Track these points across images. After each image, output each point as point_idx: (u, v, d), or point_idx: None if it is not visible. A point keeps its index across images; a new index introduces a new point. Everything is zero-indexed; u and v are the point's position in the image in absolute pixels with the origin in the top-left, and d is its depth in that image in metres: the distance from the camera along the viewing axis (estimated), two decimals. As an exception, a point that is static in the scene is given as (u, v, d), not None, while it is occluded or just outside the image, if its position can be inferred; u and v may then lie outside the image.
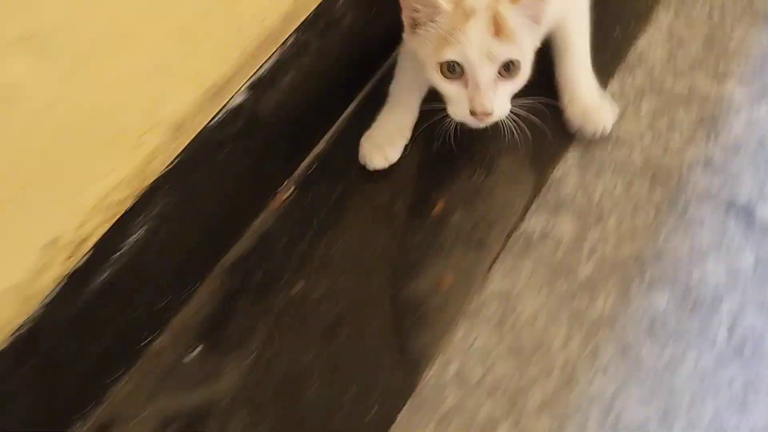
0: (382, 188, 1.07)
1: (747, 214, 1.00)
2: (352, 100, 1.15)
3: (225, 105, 0.93)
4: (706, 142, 1.06)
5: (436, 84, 0.97)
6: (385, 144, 1.09)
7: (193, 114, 0.89)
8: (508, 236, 1.01)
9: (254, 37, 0.93)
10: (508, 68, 0.93)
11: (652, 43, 1.18)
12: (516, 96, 0.97)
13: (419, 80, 1.07)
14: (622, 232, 1.00)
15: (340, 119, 1.14)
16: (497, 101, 0.94)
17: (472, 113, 0.94)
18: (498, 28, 0.91)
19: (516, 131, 0.99)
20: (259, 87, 0.96)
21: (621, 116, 1.09)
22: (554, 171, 1.06)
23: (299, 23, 0.99)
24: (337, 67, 1.08)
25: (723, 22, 1.19)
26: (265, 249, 1.02)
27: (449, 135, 1.02)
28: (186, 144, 0.89)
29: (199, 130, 0.90)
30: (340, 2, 1.03)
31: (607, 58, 1.15)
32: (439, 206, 1.04)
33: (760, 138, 1.06)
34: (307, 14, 1.00)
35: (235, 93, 0.93)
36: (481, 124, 0.96)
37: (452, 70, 0.94)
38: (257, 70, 0.95)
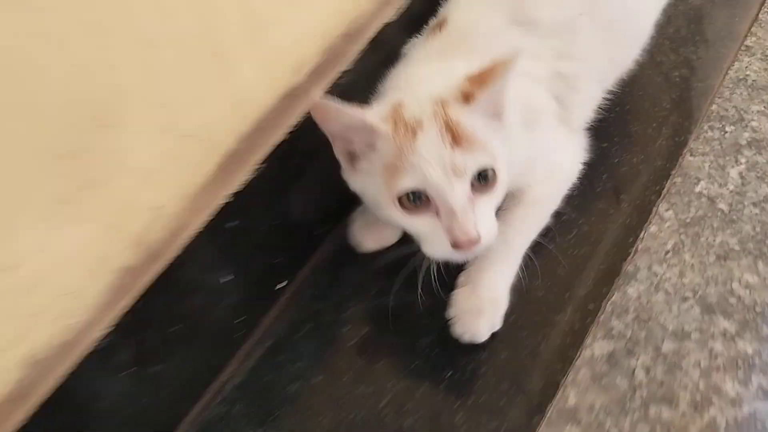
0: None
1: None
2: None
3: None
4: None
5: (398, 223, 0.79)
6: (376, 225, 0.93)
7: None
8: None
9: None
10: (482, 179, 0.76)
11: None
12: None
13: None
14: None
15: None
16: (482, 222, 0.75)
17: (455, 246, 0.75)
18: (455, 136, 0.74)
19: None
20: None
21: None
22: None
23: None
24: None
25: None
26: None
27: (433, 278, 0.83)
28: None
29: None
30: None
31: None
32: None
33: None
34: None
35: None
36: (470, 255, 0.78)
37: (415, 200, 0.76)
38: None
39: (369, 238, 0.95)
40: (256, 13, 0.75)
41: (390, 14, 0.93)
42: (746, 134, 1.07)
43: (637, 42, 1.03)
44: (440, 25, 0.91)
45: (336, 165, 0.82)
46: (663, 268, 0.95)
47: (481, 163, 0.75)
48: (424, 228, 0.77)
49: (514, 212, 0.90)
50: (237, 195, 0.80)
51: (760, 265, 0.94)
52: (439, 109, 0.76)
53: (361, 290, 0.95)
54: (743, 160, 1.04)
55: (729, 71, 1.14)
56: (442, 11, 0.95)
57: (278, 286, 0.93)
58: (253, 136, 0.80)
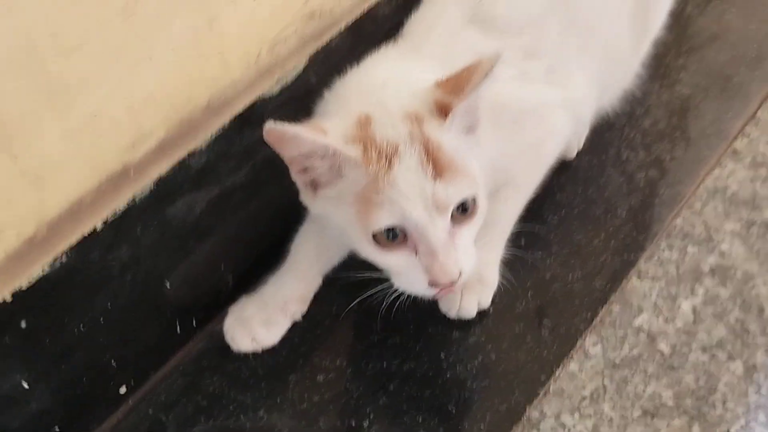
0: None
1: None
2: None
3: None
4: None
5: (370, 258, 0.70)
6: (256, 321, 0.82)
7: None
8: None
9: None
10: (462, 210, 0.68)
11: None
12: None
13: (326, 244, 0.84)
14: None
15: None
16: (463, 257, 0.68)
17: (434, 285, 0.67)
18: (437, 164, 0.65)
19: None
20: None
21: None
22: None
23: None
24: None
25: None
26: None
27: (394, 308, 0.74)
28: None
29: None
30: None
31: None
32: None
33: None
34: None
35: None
36: (449, 294, 0.72)
37: (391, 237, 0.67)
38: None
39: (242, 336, 0.83)
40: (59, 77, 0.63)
41: (270, 87, 0.80)
42: (711, 259, 0.88)
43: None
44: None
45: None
46: (574, 419, 0.78)
47: (465, 194, 0.67)
48: (399, 265, 0.69)
49: (497, 196, 0.81)
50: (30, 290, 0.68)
51: (696, 430, 0.75)
52: (416, 129, 0.66)
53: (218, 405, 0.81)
54: (701, 291, 0.86)
55: (706, 178, 0.96)
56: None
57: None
58: (60, 222, 0.68)
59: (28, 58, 0.59)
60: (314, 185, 0.70)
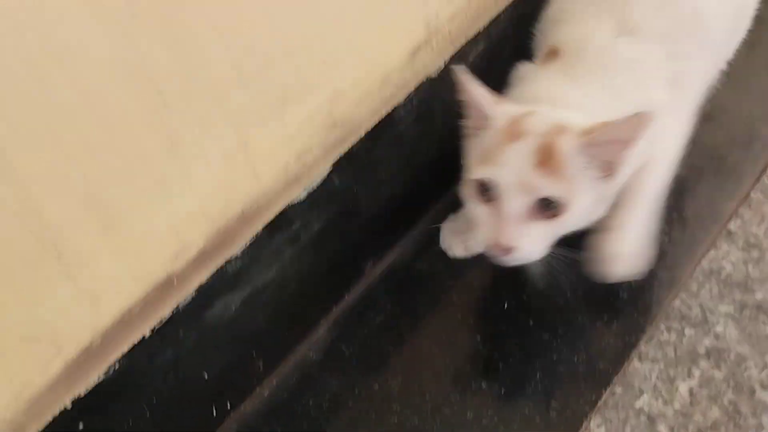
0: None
1: None
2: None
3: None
4: None
5: (465, 200, 0.85)
6: (466, 233, 1.02)
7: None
8: None
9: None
10: (547, 207, 0.78)
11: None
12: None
13: None
14: None
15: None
16: (525, 240, 0.79)
17: (491, 244, 0.80)
18: (545, 159, 0.77)
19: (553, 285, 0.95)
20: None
21: None
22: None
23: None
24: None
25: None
26: None
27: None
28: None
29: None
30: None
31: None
32: None
33: None
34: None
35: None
36: (504, 260, 0.81)
37: (484, 191, 0.81)
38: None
39: (459, 245, 1.04)
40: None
41: (297, 194, 0.87)
42: (707, 341, 0.95)
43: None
44: (553, 53, 0.93)
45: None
46: (581, 499, 0.84)
47: (553, 193, 0.78)
48: (480, 216, 0.83)
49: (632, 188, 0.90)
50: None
51: None
52: (552, 132, 0.79)
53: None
54: (697, 373, 0.92)
55: (702, 260, 1.02)
56: (546, 41, 0.97)
57: None
58: (113, 332, 0.75)
59: (85, 191, 0.67)
60: (471, 130, 0.86)
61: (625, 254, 0.89)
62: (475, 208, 0.83)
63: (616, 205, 0.88)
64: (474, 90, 0.82)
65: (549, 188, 0.77)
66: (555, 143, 0.78)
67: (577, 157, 0.78)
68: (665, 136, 0.92)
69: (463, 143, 0.87)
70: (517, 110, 0.83)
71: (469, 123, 0.86)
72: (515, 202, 0.78)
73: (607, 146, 0.78)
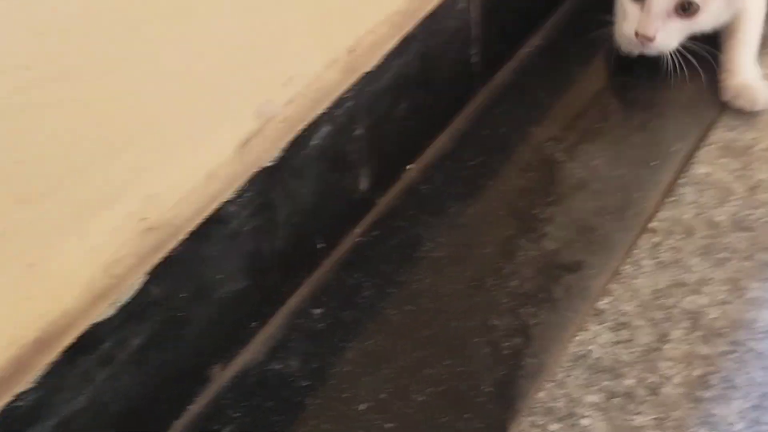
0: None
1: None
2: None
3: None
4: None
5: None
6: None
7: None
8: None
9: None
10: (686, 8, 1.06)
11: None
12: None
13: None
14: None
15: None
16: (663, 33, 1.07)
17: (636, 34, 1.08)
18: None
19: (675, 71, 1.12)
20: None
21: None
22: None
23: None
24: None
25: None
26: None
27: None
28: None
29: None
30: None
31: None
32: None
33: None
34: None
35: None
36: (643, 49, 1.11)
37: None
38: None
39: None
40: None
41: (105, 311, 0.79)
42: (572, 437, 0.88)
43: None
44: None
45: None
46: None
47: None
48: (629, 11, 1.10)
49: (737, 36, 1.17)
50: None
51: None
52: None
53: None
54: (561, 476, 0.85)
55: (569, 344, 0.96)
56: None
57: None
58: None
59: None
60: None
61: (755, 85, 1.14)
62: (627, 5, 1.10)
63: (728, 51, 1.17)
64: None
65: None
66: None
67: None
68: None
69: None
70: None
71: None
72: (661, 1, 1.05)
73: None
